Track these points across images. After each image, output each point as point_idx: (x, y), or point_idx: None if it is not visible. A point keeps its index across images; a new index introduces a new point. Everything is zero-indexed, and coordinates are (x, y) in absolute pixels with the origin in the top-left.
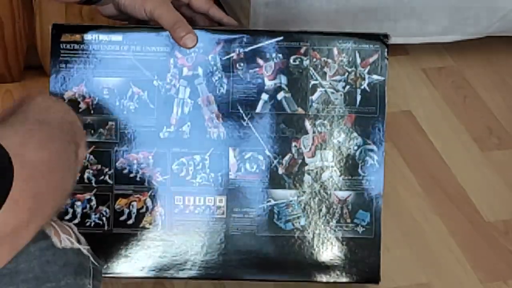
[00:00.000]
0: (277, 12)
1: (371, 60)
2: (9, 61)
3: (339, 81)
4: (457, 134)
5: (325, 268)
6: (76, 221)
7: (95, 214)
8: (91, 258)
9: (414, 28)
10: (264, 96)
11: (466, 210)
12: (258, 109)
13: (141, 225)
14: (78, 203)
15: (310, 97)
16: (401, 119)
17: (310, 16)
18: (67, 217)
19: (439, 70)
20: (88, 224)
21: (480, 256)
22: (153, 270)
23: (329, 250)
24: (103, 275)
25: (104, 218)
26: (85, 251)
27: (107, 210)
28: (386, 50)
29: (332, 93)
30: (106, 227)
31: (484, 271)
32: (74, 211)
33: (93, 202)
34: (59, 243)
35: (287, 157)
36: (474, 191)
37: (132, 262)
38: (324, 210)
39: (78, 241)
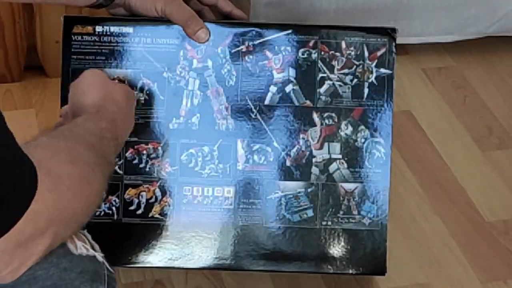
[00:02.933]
0: (277, 12)
1: (378, 53)
2: (9, 61)
3: (347, 74)
4: (457, 134)
5: (332, 259)
6: None
7: (105, 204)
8: (106, 265)
9: (414, 28)
10: (273, 89)
11: (466, 210)
12: (266, 101)
13: (150, 215)
14: None
15: (318, 90)
16: (401, 119)
17: (310, 16)
18: None
19: (439, 70)
20: (97, 213)
21: (480, 256)
22: (161, 260)
23: (335, 242)
24: (113, 265)
25: (113, 208)
26: (99, 258)
27: (117, 200)
28: (393, 44)
29: (340, 86)
30: (115, 217)
31: (484, 271)
32: None
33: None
34: (75, 250)
35: (295, 149)
36: (474, 191)
37: (141, 252)
38: (331, 201)
39: (93, 248)
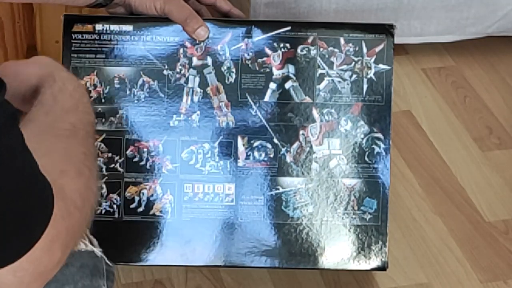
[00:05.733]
0: (277, 12)
1: (377, 49)
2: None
3: (346, 70)
4: (457, 134)
5: (332, 255)
6: None
7: (106, 202)
8: (104, 259)
9: (414, 28)
10: (272, 85)
11: (466, 210)
12: (266, 98)
13: (151, 213)
14: None
15: (317, 86)
16: (401, 119)
17: (310, 16)
18: None
19: (439, 70)
20: (98, 211)
21: (480, 256)
22: (163, 258)
23: (336, 238)
24: (114, 263)
25: (114, 206)
26: (98, 253)
27: (118, 198)
28: (392, 39)
29: (339, 82)
30: (116, 215)
31: (484, 271)
32: None
33: (104, 190)
34: None
35: (295, 145)
36: (474, 191)
37: (142, 250)
38: (331, 197)
39: (91, 243)
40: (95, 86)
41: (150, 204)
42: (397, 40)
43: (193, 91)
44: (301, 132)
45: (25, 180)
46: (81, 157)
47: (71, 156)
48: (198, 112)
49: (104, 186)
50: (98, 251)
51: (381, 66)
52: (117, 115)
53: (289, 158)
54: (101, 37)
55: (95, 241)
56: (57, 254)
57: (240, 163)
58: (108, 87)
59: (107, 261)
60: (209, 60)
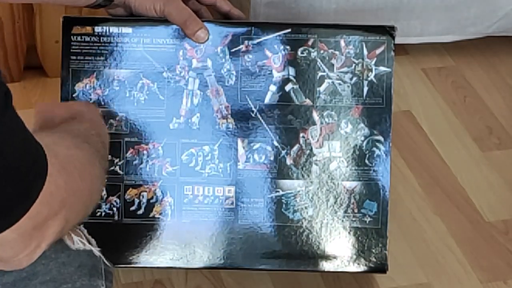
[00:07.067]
0: (277, 12)
1: (377, 51)
2: (9, 61)
3: (346, 72)
4: (457, 134)
5: (332, 257)
6: None
7: (106, 204)
8: (103, 259)
9: (414, 28)
10: (272, 88)
11: (466, 210)
12: (266, 100)
13: (151, 215)
14: None
15: (317, 89)
16: (401, 119)
17: (310, 16)
18: None
19: (439, 70)
20: (98, 214)
21: (480, 256)
22: (163, 260)
23: (336, 240)
24: (114, 266)
25: (114, 209)
26: (96, 253)
27: (118, 201)
28: (392, 42)
29: (340, 84)
30: (116, 217)
31: (484, 271)
32: None
33: (104, 193)
34: (72, 244)
35: (295, 148)
36: (474, 191)
37: (142, 252)
38: (331, 200)
39: (89, 242)
40: (94, 88)
41: (150, 206)
42: (397, 40)
43: (193, 93)
44: (301, 134)
45: (18, 140)
46: (81, 142)
47: (71, 138)
48: (198, 115)
49: (104, 188)
50: (96, 250)
51: (382, 68)
52: (117, 118)
53: (289, 161)
54: (101, 39)
55: (93, 241)
56: (55, 206)
57: (240, 165)
58: (107, 90)
59: (105, 261)
60: (209, 62)
